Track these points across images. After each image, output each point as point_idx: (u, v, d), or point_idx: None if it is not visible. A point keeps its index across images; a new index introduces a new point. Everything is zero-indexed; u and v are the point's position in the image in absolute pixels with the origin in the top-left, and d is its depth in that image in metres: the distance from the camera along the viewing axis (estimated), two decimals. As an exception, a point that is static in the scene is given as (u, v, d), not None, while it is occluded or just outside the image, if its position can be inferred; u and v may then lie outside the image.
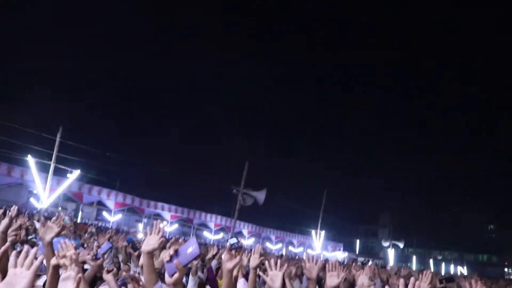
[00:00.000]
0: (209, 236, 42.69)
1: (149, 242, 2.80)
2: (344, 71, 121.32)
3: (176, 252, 2.21)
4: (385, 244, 57.02)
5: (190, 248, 2.19)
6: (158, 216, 41.21)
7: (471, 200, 79.66)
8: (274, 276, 3.13)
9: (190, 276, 5.75)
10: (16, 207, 3.70)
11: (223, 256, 2.95)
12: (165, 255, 2.56)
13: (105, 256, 5.24)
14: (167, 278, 2.24)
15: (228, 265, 2.81)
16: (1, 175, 28.23)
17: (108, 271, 3.31)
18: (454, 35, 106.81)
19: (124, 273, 4.63)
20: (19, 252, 1.65)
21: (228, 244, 3.48)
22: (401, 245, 55.93)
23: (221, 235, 45.61)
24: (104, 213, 39.87)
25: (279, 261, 3.24)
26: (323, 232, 40.78)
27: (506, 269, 66.91)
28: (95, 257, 3.67)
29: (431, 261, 60.02)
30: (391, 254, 51.09)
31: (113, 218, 36.98)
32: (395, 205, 78.84)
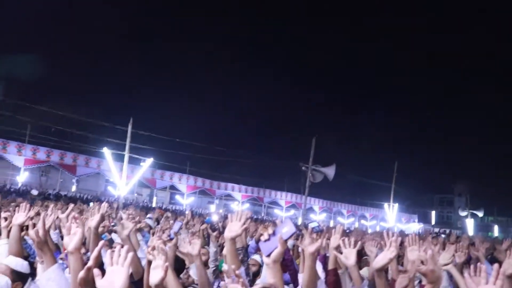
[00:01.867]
0: (280, 213, 42.92)
1: (232, 229, 2.86)
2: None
3: (273, 232, 2.24)
4: (463, 213, 54.71)
5: (286, 227, 2.21)
6: (229, 197, 41.99)
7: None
8: (348, 253, 3.22)
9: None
10: (106, 204, 3.75)
11: (304, 240, 2.94)
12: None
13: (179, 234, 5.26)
14: (264, 258, 2.25)
15: (310, 248, 2.78)
16: (80, 166, 29.87)
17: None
18: None
19: (203, 257, 4.66)
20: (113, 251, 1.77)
21: (309, 227, 3.40)
22: (480, 214, 53.38)
23: (292, 212, 45.76)
24: (177, 197, 41.21)
25: (352, 239, 3.31)
26: (396, 205, 39.76)
27: None
28: (169, 238, 3.70)
29: (514, 229, 57.04)
30: (469, 224, 48.77)
31: (186, 201, 38.13)
32: (471, 172, 75.45)
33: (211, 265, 6.37)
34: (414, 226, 53.40)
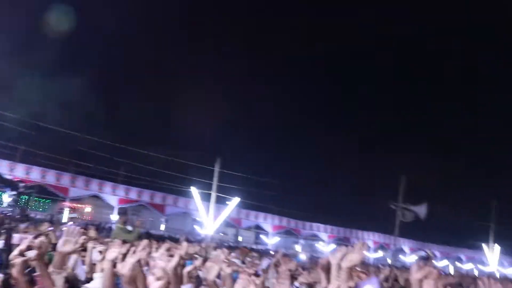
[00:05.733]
0: (368, 254, 41.20)
1: (350, 258, 2.74)
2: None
3: (355, 286, 2.14)
4: None
5: (369, 285, 2.14)
6: (315, 237, 41.13)
7: None
8: None
9: None
10: (186, 244, 3.69)
11: (412, 268, 2.75)
12: None
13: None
14: None
15: (416, 275, 2.62)
16: (169, 205, 30.86)
17: None
18: None
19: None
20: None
21: (416, 255, 3.06)
22: None
23: (380, 254, 43.78)
24: (262, 236, 41.05)
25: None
26: (497, 246, 36.73)
27: None
28: (256, 274, 3.50)
29: None
30: None
31: (271, 240, 37.82)
32: None
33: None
34: (519, 271, 48.82)
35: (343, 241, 41.03)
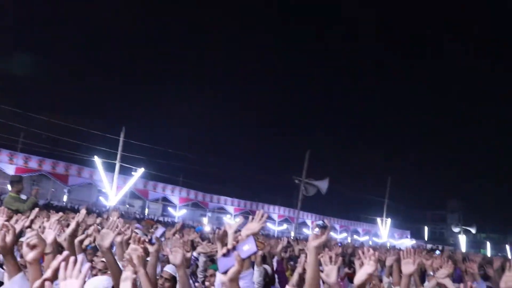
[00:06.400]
0: (273, 227, 42.65)
1: (250, 227, 3.00)
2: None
3: (234, 248, 2.07)
4: (455, 229, 54.59)
5: (247, 245, 2.06)
6: (222, 210, 41.68)
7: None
8: (330, 271, 3.04)
9: (255, 267, 5.53)
10: (84, 211, 3.60)
11: (309, 236, 2.94)
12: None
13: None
14: (221, 276, 2.09)
15: (313, 243, 2.78)
16: (72, 176, 29.49)
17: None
18: None
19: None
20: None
21: (314, 224, 3.30)
22: (473, 230, 53.25)
23: (284, 226, 45.45)
24: (170, 209, 40.87)
25: (334, 255, 3.15)
26: (389, 220, 39.65)
27: None
28: (150, 242, 3.52)
29: (507, 246, 56.84)
30: (462, 240, 48.74)
31: (178, 213, 37.79)
32: (464, 189, 75.54)
33: (200, 275, 6.23)
34: (407, 242, 53.22)
35: (249, 214, 42.01)
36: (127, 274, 2.27)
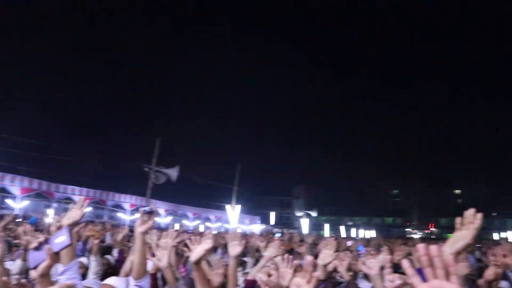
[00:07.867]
0: (124, 217, 41.85)
1: (71, 215, 2.81)
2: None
3: (46, 241, 2.02)
4: (299, 214, 59.11)
5: (61, 237, 2.00)
6: (69, 200, 39.67)
7: (377, 169, 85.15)
8: (161, 255, 3.38)
9: (92, 257, 5.41)
10: None
11: (136, 222, 3.01)
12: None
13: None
14: (32, 272, 2.03)
15: (140, 229, 2.90)
16: None
17: None
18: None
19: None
20: None
21: (141, 210, 3.70)
22: (314, 214, 58.31)
23: (136, 216, 44.68)
24: (8, 201, 37.63)
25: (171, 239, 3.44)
26: (238, 206, 41.47)
27: (407, 229, 72.95)
28: None
29: (342, 227, 63.39)
30: (304, 223, 53.01)
31: (18, 205, 34.89)
32: (307, 177, 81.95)
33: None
34: (257, 227, 56.22)
35: (99, 204, 40.78)
36: None
